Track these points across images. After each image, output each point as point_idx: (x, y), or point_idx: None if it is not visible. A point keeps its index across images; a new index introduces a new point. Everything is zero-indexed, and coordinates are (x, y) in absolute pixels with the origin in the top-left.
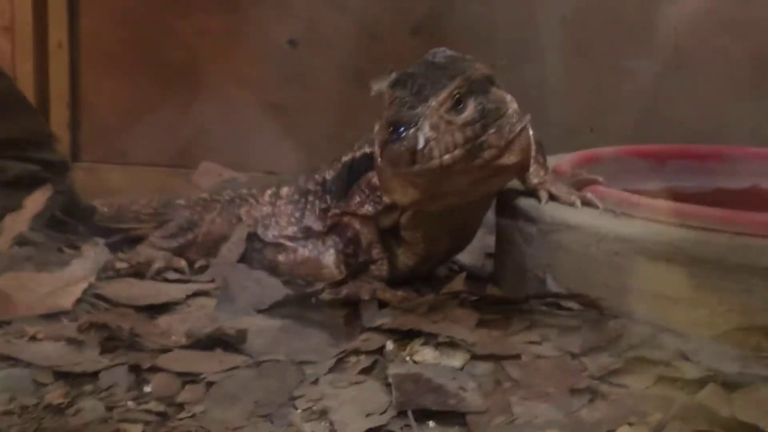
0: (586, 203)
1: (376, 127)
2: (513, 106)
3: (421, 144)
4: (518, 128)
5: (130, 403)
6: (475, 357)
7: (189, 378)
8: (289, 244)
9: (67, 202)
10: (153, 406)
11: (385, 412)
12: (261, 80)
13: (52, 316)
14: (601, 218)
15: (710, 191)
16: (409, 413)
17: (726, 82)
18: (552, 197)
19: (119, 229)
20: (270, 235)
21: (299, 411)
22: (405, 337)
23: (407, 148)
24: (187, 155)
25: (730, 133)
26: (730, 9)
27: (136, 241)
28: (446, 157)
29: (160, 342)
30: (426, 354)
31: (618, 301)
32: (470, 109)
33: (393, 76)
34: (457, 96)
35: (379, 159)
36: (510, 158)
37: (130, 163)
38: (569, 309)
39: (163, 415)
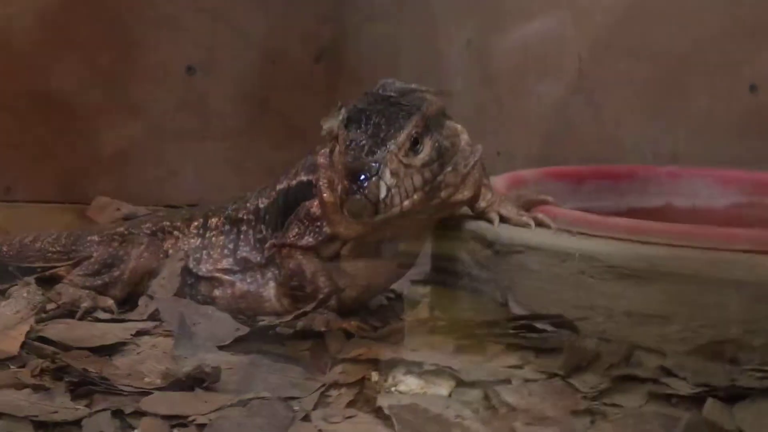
0: (539, 224)
1: (319, 158)
2: (464, 137)
3: (383, 194)
4: (472, 162)
5: None
6: (461, 384)
7: (177, 421)
8: (225, 277)
9: None
10: None
11: None
12: (158, 108)
13: None
14: (560, 238)
15: (626, 210)
16: None
17: (627, 105)
18: (503, 219)
19: (24, 268)
20: (203, 268)
21: None
22: (384, 367)
23: (370, 201)
24: (78, 190)
25: (631, 154)
26: (630, 36)
27: (46, 281)
28: (406, 202)
29: (132, 384)
30: (410, 383)
31: (587, 320)
32: (427, 149)
33: (344, 113)
34: (414, 136)
35: (339, 205)
36: (464, 193)
37: (14, 200)
38: (541, 330)
39: None
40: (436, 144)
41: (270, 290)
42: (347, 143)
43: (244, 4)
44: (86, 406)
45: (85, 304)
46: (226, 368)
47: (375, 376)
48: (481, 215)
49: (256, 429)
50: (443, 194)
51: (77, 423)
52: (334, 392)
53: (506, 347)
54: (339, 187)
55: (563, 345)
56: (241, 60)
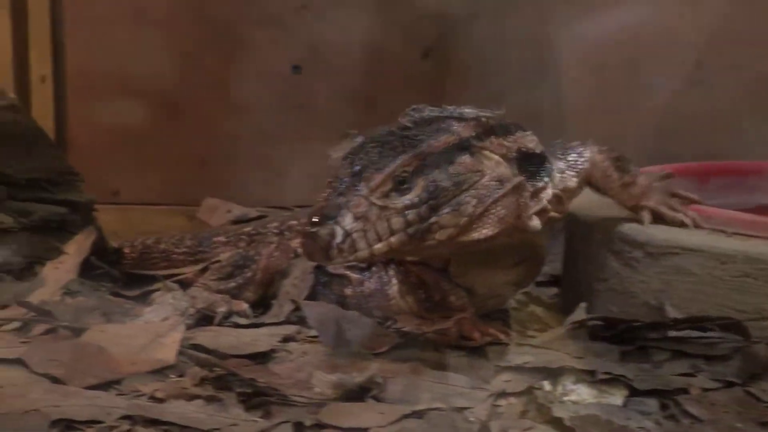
0: (696, 224)
1: None
2: (492, 172)
3: (338, 239)
4: (489, 200)
5: None
6: (635, 393)
7: None
8: (354, 275)
9: (97, 246)
10: None
11: None
12: (263, 108)
13: (156, 372)
14: (719, 239)
15: (754, 207)
16: None
17: (745, 97)
18: (656, 217)
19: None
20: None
21: None
22: (551, 375)
23: (320, 246)
24: (184, 192)
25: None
26: (749, 23)
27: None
28: (378, 246)
29: (303, 395)
30: (582, 392)
31: (754, 324)
32: (417, 190)
33: (358, 140)
34: (403, 176)
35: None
36: (482, 232)
37: (122, 203)
38: (706, 335)
39: None
40: (432, 184)
41: (394, 288)
42: (331, 180)
43: (348, 1)
44: (262, 417)
45: (222, 309)
46: (388, 377)
47: (547, 385)
48: (628, 209)
49: None
50: (439, 235)
51: None
52: (503, 402)
53: (672, 354)
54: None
55: (734, 351)
56: (346, 58)
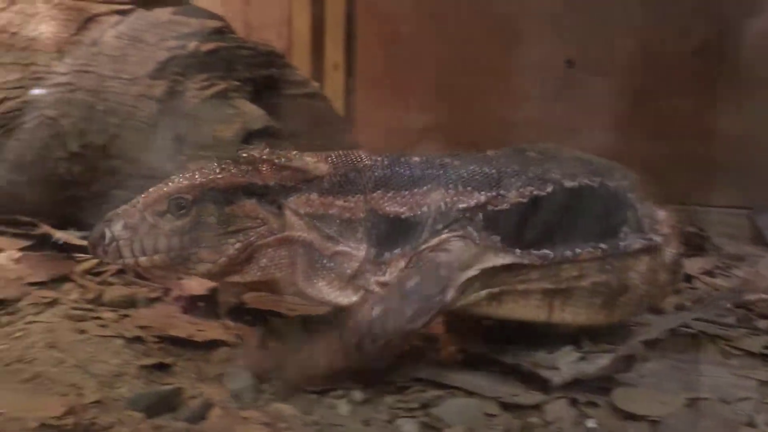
0: None
1: None
2: (273, 225)
3: (106, 241)
4: (249, 248)
5: None
6: None
7: (631, 416)
8: None
9: None
10: None
11: None
12: (538, 100)
13: None
14: None
15: None
16: None
17: None
18: None
19: None
20: None
21: None
22: None
23: (90, 241)
24: None
25: None
26: None
27: None
28: (143, 259)
29: None
30: None
31: None
32: (187, 219)
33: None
34: (181, 202)
35: None
36: (244, 276)
37: None
38: None
39: None
40: (200, 216)
41: None
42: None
43: None
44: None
45: None
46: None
47: None
48: None
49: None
50: (200, 268)
51: (537, 407)
52: None
53: None
54: None
55: None
56: (618, 53)
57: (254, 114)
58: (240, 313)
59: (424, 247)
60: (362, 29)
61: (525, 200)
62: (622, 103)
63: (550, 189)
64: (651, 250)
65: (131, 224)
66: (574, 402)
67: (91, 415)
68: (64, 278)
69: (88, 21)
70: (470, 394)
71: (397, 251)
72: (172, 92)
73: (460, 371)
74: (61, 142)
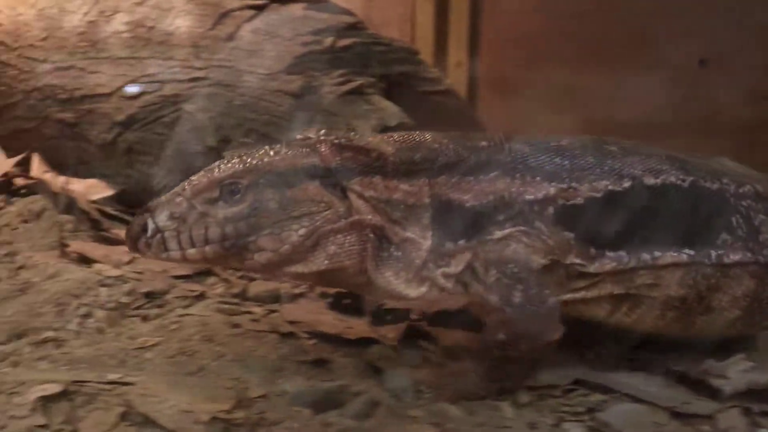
0: None
1: None
2: (331, 208)
3: (149, 233)
4: (315, 234)
5: None
6: None
7: None
8: None
9: None
10: None
11: None
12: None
13: None
14: None
15: None
16: None
17: None
18: None
19: None
20: None
21: None
22: None
23: (130, 236)
24: None
25: None
26: None
27: None
28: (192, 251)
29: None
30: None
31: None
32: (243, 205)
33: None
34: (234, 187)
35: None
36: (308, 266)
37: None
38: None
39: None
40: (256, 202)
41: None
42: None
43: None
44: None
45: None
46: None
47: None
48: None
49: None
50: (258, 257)
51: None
52: None
53: None
54: None
55: None
56: (754, 54)
57: (390, 110)
58: (380, 312)
59: (488, 238)
60: (487, 26)
61: (598, 195)
62: (750, 105)
63: (627, 185)
64: (756, 266)
65: (178, 214)
66: (747, 411)
67: (259, 409)
68: (208, 272)
69: (223, 16)
70: (637, 400)
71: (461, 242)
72: (308, 87)
73: (623, 375)
74: (198, 136)
